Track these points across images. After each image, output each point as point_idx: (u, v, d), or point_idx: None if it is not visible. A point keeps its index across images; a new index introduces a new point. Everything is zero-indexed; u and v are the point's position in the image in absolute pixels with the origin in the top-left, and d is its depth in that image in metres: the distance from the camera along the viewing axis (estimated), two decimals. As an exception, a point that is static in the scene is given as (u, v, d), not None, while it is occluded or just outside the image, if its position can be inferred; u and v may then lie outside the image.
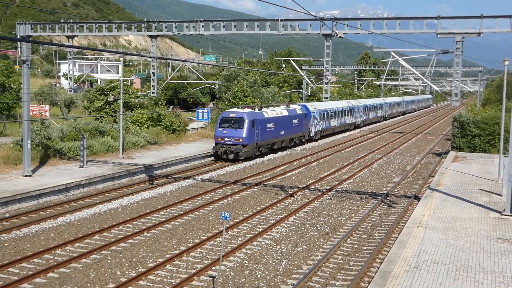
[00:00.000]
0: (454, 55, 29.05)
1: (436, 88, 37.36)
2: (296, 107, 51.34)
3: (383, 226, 23.41)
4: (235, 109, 43.26)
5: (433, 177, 33.21)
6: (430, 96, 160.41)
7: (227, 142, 39.99)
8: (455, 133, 45.38)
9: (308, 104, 55.11)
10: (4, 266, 17.24)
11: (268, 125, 42.81)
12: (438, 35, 29.48)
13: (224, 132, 40.23)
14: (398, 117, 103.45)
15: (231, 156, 39.85)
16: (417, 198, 28.33)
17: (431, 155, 47.95)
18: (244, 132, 39.64)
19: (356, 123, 73.26)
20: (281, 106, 50.36)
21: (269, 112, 43.99)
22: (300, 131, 50.73)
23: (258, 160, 42.07)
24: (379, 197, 29.01)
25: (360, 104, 75.11)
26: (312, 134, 54.38)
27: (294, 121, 48.61)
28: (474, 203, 24.21)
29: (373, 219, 24.56)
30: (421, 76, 39.03)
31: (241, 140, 39.63)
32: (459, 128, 44.82)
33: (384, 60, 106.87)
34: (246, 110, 42.25)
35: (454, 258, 16.40)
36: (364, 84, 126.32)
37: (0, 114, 63.28)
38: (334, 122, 61.68)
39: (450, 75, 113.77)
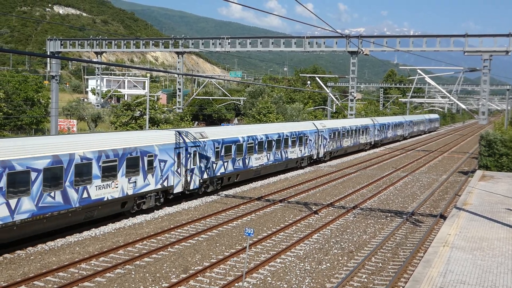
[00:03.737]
0: (482, 73, 28.84)
1: (463, 106, 37.05)
2: None
3: (408, 245, 23.14)
4: None
5: (460, 196, 32.77)
6: (435, 116, 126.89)
7: None
8: (482, 151, 44.77)
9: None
10: (30, 279, 17.44)
11: None
12: (466, 53, 29.33)
13: None
14: (364, 153, 64.12)
15: None
16: (443, 217, 27.96)
17: (457, 174, 47.37)
18: None
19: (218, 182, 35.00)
20: None
21: None
22: None
23: (282, 176, 41.91)
24: (404, 216, 28.70)
25: (242, 136, 36.21)
26: None
27: None
28: (502, 223, 23.81)
29: (398, 238, 24.29)
30: (448, 94, 38.72)
31: None
32: (486, 147, 44.23)
33: (410, 78, 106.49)
34: None
35: (481, 279, 16.12)
36: (390, 102, 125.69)
37: (29, 128, 64.42)
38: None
39: (477, 93, 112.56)
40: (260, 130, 39.14)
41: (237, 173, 35.71)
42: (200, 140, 31.14)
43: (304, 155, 46.58)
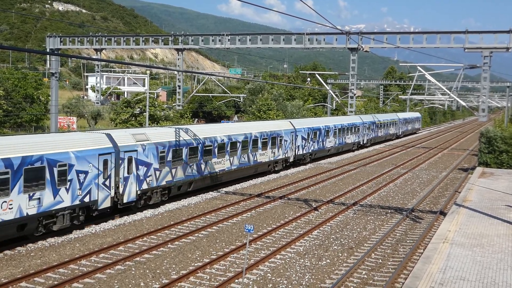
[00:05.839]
0: (482, 70, 28.79)
1: (463, 103, 37.02)
2: None
3: (408, 241, 23.16)
4: None
5: (460, 192, 32.79)
6: (414, 114, 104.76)
7: None
8: (482, 148, 44.80)
9: None
10: (30, 276, 17.46)
11: None
12: (466, 50, 29.27)
13: None
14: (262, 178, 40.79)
15: None
16: (443, 213, 27.99)
17: (457, 171, 47.38)
18: None
19: None
20: None
21: None
22: None
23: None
24: (404, 212, 28.73)
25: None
26: None
27: None
28: (502, 220, 23.83)
29: (398, 234, 24.32)
30: (448, 91, 38.69)
31: None
32: (486, 144, 44.25)
33: (410, 75, 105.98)
34: None
35: (481, 275, 16.14)
36: (390, 99, 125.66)
37: (29, 126, 64.38)
38: None
39: (477, 90, 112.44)
40: None
41: None
42: None
43: (69, 206, 22.82)
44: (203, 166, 32.36)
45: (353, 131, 60.34)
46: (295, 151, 44.73)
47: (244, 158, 36.98)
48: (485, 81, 28.82)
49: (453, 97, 38.05)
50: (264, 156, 39.66)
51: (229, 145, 34.97)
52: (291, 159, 44.62)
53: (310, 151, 48.22)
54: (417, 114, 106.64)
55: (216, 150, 33.58)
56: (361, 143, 64.35)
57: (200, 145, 31.98)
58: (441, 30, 31.05)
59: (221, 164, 34.28)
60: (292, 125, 45.00)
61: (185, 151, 30.55)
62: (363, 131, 64.70)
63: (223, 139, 34.39)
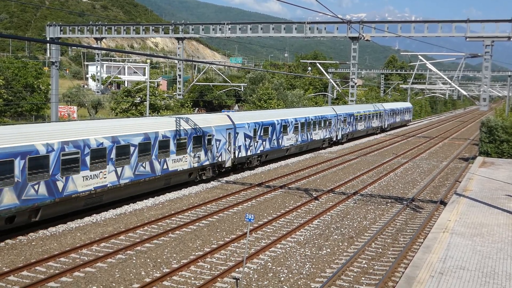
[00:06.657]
0: (483, 59, 28.70)
1: (464, 93, 36.93)
2: None
3: (408, 231, 23.19)
4: None
5: (460, 182, 32.80)
6: (403, 104, 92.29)
7: None
8: (482, 138, 44.78)
9: None
10: (32, 265, 17.51)
11: None
12: (467, 39, 29.18)
13: None
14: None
15: None
16: (443, 203, 28.01)
17: (458, 160, 47.37)
18: None
19: None
20: None
21: None
22: None
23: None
24: (405, 202, 28.75)
25: None
26: None
27: None
28: (502, 209, 23.86)
29: (398, 224, 24.35)
30: (449, 80, 38.54)
31: None
32: (487, 133, 44.22)
33: (411, 64, 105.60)
34: None
35: (481, 265, 16.18)
36: (391, 88, 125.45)
37: (29, 115, 64.40)
38: None
39: (478, 79, 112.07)
40: None
41: None
42: None
43: None
44: (60, 184, 22.10)
45: (322, 125, 50.83)
46: (234, 153, 35.46)
47: (145, 167, 27.19)
48: (486, 70, 28.75)
49: (454, 86, 37.92)
50: (181, 162, 30.05)
51: (113, 150, 24.99)
52: (228, 164, 35.08)
53: (259, 152, 38.82)
54: (408, 104, 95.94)
55: (87, 159, 23.47)
56: (334, 139, 55.03)
57: (54, 152, 21.69)
58: (442, 19, 30.92)
59: (100, 178, 24.31)
60: (231, 119, 35.54)
61: (19, 164, 20.06)
62: (337, 125, 55.29)
63: (101, 143, 24.27)
